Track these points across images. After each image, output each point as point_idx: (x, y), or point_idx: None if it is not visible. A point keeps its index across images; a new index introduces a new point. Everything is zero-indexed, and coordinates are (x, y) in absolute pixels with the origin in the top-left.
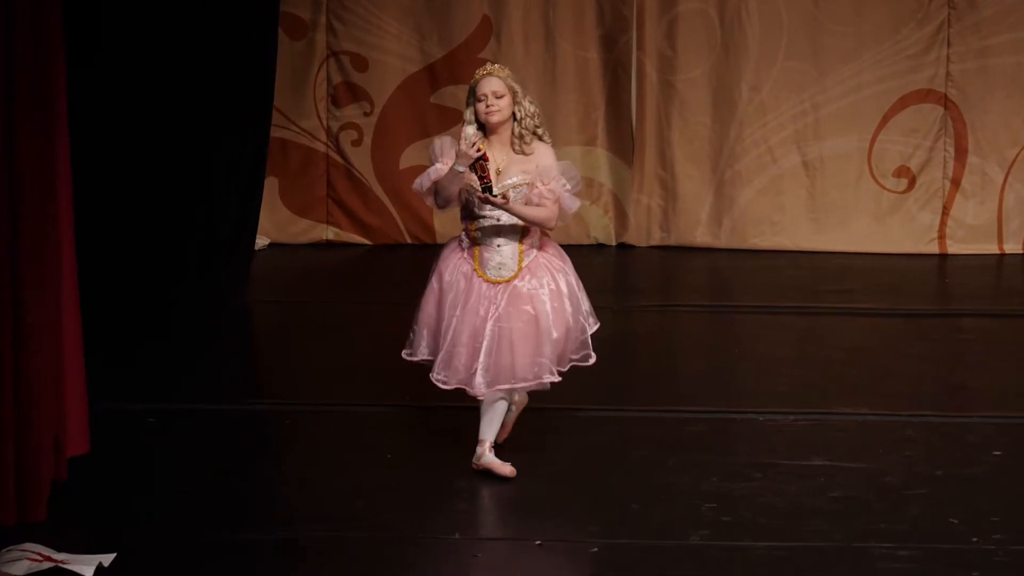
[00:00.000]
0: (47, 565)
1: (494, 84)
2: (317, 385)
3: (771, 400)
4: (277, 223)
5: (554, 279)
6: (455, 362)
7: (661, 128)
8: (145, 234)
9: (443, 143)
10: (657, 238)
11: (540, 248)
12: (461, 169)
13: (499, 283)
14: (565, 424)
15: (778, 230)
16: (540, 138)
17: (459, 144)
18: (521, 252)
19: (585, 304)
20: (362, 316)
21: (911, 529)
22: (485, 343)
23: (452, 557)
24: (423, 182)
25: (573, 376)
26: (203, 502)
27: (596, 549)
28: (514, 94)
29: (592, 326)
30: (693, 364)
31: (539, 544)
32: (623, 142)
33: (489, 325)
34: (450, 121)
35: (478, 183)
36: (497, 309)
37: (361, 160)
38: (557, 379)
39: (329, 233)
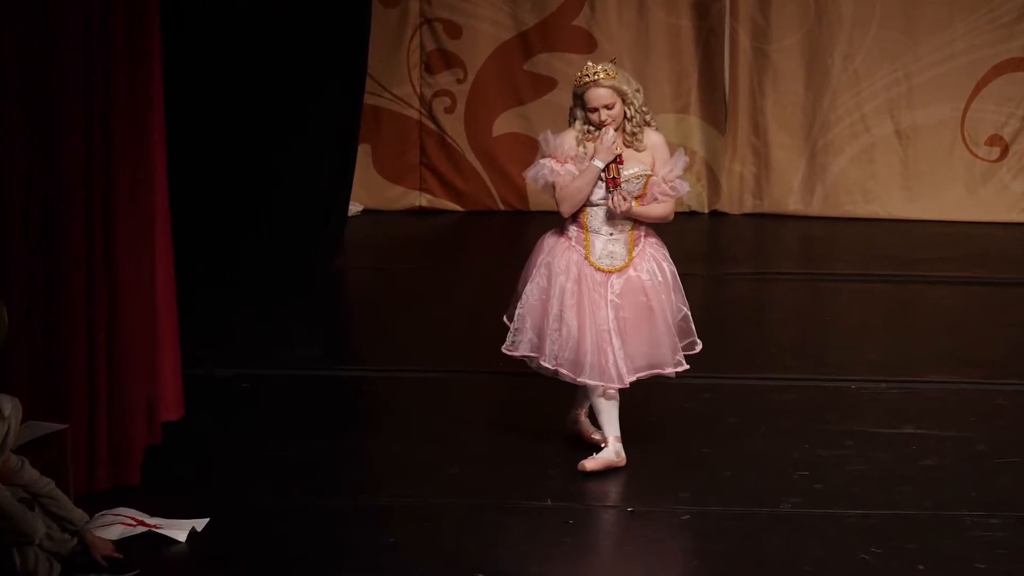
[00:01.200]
0: (140, 530)
1: (603, 97)
2: (409, 351)
3: (863, 368)
4: (370, 189)
5: (661, 268)
6: (599, 360)
7: (754, 96)
8: (239, 200)
9: (558, 140)
10: (750, 206)
11: (646, 236)
12: (601, 164)
13: (610, 272)
14: (657, 391)
15: (871, 198)
16: (648, 124)
17: (601, 139)
18: (632, 241)
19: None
20: (454, 282)
21: (1002, 498)
22: (614, 338)
23: (544, 524)
24: (537, 177)
25: None
26: (295, 468)
27: (687, 516)
28: (623, 97)
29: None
30: (785, 332)
31: (631, 511)
32: (716, 110)
33: (610, 315)
34: (543, 88)
35: (606, 181)
36: (615, 299)
37: (454, 127)
38: (684, 367)
39: (422, 200)
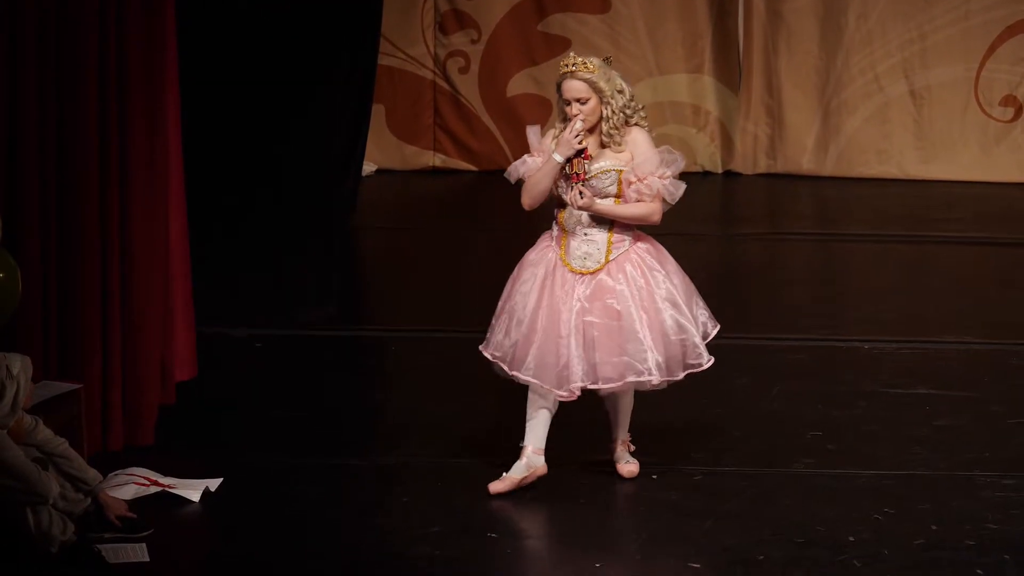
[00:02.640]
0: (154, 489)
1: (576, 89)
2: (422, 311)
3: (876, 328)
4: (384, 149)
5: (645, 276)
6: (546, 359)
7: (768, 56)
8: (253, 160)
9: (539, 133)
10: (763, 166)
11: (635, 241)
12: (560, 159)
13: (584, 274)
14: None
15: (884, 158)
16: (636, 124)
17: (564, 132)
18: (610, 243)
19: (694, 306)
20: (468, 242)
21: (1016, 457)
22: (572, 341)
23: (558, 484)
24: (511, 172)
25: None
26: (308, 427)
27: (700, 476)
28: (599, 93)
29: (702, 330)
30: (798, 292)
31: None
32: (730, 70)
33: (572, 320)
34: (557, 49)
35: (571, 176)
36: (580, 303)
37: (468, 87)
38: (652, 379)
39: (436, 160)
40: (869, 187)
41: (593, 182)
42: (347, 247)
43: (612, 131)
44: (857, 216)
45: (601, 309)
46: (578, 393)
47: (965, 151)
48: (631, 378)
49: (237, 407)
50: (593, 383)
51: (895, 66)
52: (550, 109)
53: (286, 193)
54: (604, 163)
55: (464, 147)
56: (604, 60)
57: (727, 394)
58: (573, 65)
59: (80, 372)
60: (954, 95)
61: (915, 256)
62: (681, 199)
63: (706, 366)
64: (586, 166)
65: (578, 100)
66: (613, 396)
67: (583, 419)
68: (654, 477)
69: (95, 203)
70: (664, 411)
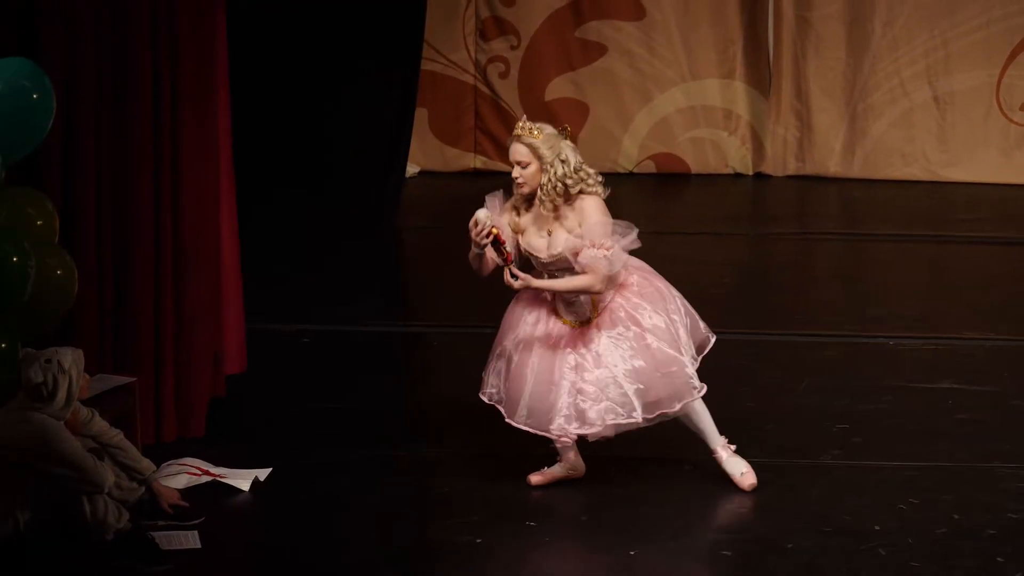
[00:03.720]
0: (205, 479)
1: (519, 152)
2: (463, 307)
3: (901, 325)
4: (427, 151)
5: (632, 317)
6: (537, 405)
7: (797, 62)
8: (302, 162)
9: (499, 201)
10: (792, 168)
11: (620, 288)
12: (479, 251)
13: (576, 327)
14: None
15: (909, 161)
16: (584, 192)
17: (471, 232)
18: (594, 299)
19: (681, 336)
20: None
21: None
22: (564, 387)
23: (593, 474)
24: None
25: (709, 300)
26: (353, 420)
27: None
28: (540, 159)
29: (691, 354)
30: (826, 290)
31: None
32: (760, 75)
33: (566, 370)
34: (594, 55)
35: (500, 261)
36: (570, 350)
37: (508, 92)
38: (637, 421)
39: (476, 162)
40: (894, 189)
41: (558, 263)
42: (391, 246)
43: (543, 198)
44: (882, 216)
45: (588, 356)
46: (575, 437)
47: (986, 154)
48: (611, 420)
49: (285, 400)
50: (578, 429)
51: (919, 72)
52: (587, 113)
53: (333, 194)
54: (559, 249)
55: (504, 149)
56: (560, 130)
57: (757, 388)
58: (521, 129)
59: (135, 366)
60: (976, 100)
61: (938, 255)
62: (713, 200)
63: (699, 396)
64: (505, 250)
65: (519, 163)
66: (684, 415)
67: None
68: (687, 468)
69: (149, 201)
70: None
